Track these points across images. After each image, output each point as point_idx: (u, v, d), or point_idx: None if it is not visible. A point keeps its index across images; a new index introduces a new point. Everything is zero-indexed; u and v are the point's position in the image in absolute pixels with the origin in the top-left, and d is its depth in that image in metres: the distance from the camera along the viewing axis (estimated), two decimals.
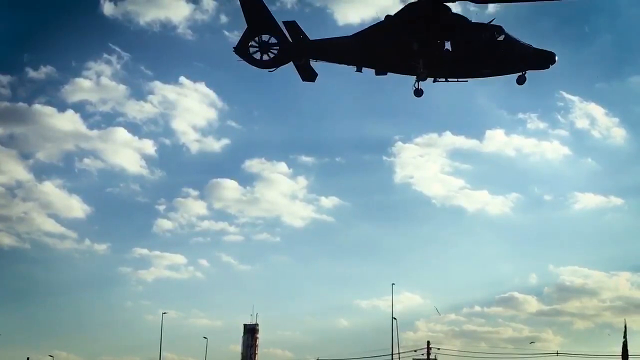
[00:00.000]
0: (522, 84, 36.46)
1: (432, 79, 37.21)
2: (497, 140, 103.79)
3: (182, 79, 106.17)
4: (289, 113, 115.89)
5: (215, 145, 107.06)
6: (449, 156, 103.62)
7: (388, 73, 37.58)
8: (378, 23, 36.54)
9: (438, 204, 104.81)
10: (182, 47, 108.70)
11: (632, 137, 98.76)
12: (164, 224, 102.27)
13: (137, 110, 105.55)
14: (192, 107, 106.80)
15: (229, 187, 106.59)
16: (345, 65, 37.54)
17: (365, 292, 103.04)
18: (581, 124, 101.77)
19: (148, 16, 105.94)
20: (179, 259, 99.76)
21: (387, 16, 36.17)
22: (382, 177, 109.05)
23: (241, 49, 37.46)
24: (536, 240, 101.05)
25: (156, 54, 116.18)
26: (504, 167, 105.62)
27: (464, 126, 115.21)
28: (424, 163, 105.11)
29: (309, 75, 38.67)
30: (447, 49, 36.20)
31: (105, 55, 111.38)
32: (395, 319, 69.73)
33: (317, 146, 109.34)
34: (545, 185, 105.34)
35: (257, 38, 37.37)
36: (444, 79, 37.11)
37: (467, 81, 37.22)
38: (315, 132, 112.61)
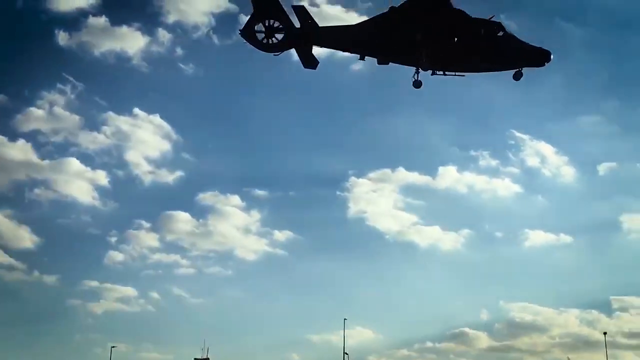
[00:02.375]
0: (518, 80, 37.88)
1: (430, 71, 38.40)
2: (449, 177, 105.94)
3: (137, 110, 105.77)
4: (244, 146, 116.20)
5: (169, 177, 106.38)
6: (402, 192, 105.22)
7: (389, 63, 38.71)
8: (382, 14, 37.46)
9: (391, 239, 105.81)
10: (137, 78, 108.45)
11: (581, 176, 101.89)
12: (115, 256, 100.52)
13: (91, 140, 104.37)
14: (146, 139, 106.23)
15: (182, 220, 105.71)
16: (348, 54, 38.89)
17: (317, 326, 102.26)
18: (532, 162, 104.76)
19: (103, 47, 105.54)
20: (130, 291, 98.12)
21: (392, 7, 37.15)
22: (336, 212, 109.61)
23: (247, 32, 38.40)
24: (487, 277, 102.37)
25: (110, 85, 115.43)
26: (456, 203, 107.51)
27: (417, 162, 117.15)
28: (377, 198, 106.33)
29: (310, 61, 39.60)
30: (448, 42, 37.47)
31: (59, 85, 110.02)
32: (347, 353, 70.30)
33: (271, 180, 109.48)
34: (497, 222, 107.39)
35: (263, 22, 38.34)
36: (442, 72, 38.26)
37: (464, 75, 38.47)
38: (269, 165, 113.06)
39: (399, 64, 38.65)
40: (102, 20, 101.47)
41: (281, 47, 38.64)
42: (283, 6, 38.48)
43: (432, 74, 38.44)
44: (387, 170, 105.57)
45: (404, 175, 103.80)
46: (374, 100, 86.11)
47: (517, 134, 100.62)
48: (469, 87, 79.92)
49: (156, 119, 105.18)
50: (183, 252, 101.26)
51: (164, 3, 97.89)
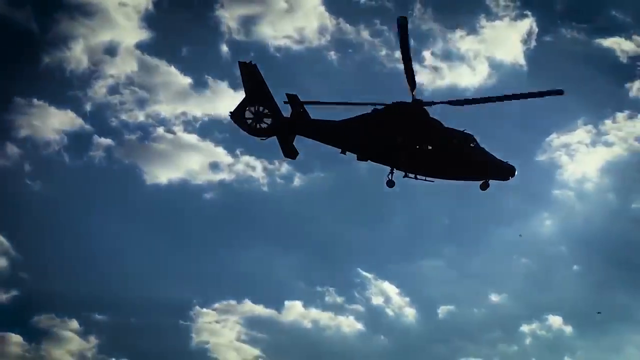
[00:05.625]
0: (484, 190, 40.75)
1: (403, 174, 40.67)
2: (295, 312, 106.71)
3: None
4: (86, 268, 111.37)
5: (3, 296, 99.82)
6: (246, 324, 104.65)
7: (368, 160, 40.96)
8: (367, 114, 40.03)
9: None
10: None
11: (422, 317, 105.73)
12: None
13: None
14: None
15: (13, 343, 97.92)
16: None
17: None
18: (376, 301, 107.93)
19: None
20: None
21: (375, 109, 39.90)
22: (178, 342, 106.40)
23: (237, 115, 40.04)
24: None
25: None
26: (300, 338, 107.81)
27: (264, 295, 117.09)
28: (221, 329, 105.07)
29: (290, 152, 41.32)
30: (422, 149, 40.18)
31: None
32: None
33: (112, 304, 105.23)
34: None
35: (252, 107, 39.96)
36: (413, 176, 40.61)
37: (433, 181, 40.86)
38: (111, 289, 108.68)
39: (377, 162, 40.87)
40: None
41: (267, 132, 40.20)
42: (273, 95, 40.18)
43: (404, 176, 40.56)
44: (233, 302, 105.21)
45: (250, 307, 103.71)
46: (224, 230, 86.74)
47: (363, 273, 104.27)
48: (318, 222, 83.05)
49: None
50: None
51: (15, 117, 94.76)
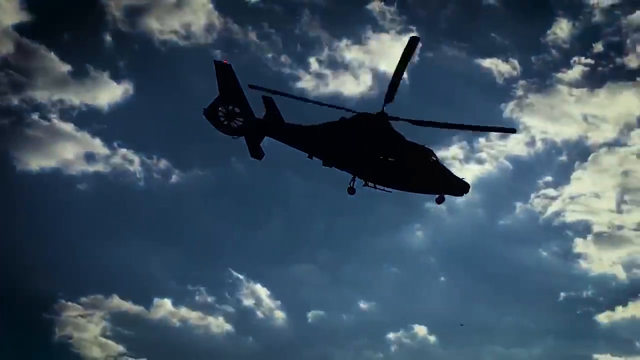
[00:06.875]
0: (440, 203, 42.31)
1: (363, 182, 41.65)
2: (164, 309, 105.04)
3: None
4: None
5: None
6: (112, 320, 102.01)
7: (332, 167, 41.52)
8: (334, 122, 40.73)
9: None
10: None
11: (291, 321, 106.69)
12: None
13: None
14: None
15: None
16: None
17: None
18: (247, 302, 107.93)
19: None
20: None
21: (342, 117, 40.64)
22: (39, 336, 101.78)
23: (211, 113, 40.28)
24: None
25: None
26: (168, 337, 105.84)
27: (133, 291, 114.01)
28: (86, 324, 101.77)
29: (257, 153, 41.47)
30: (384, 160, 41.10)
31: None
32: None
33: None
34: None
35: (225, 107, 40.19)
36: (373, 185, 41.67)
37: (391, 192, 41.96)
38: None
39: (340, 169, 41.62)
40: None
41: (238, 132, 40.74)
42: (246, 95, 40.38)
43: (364, 185, 41.64)
44: (100, 296, 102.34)
45: (117, 302, 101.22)
46: (96, 223, 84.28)
47: (235, 273, 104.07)
48: (193, 220, 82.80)
49: None
50: None
51: None
